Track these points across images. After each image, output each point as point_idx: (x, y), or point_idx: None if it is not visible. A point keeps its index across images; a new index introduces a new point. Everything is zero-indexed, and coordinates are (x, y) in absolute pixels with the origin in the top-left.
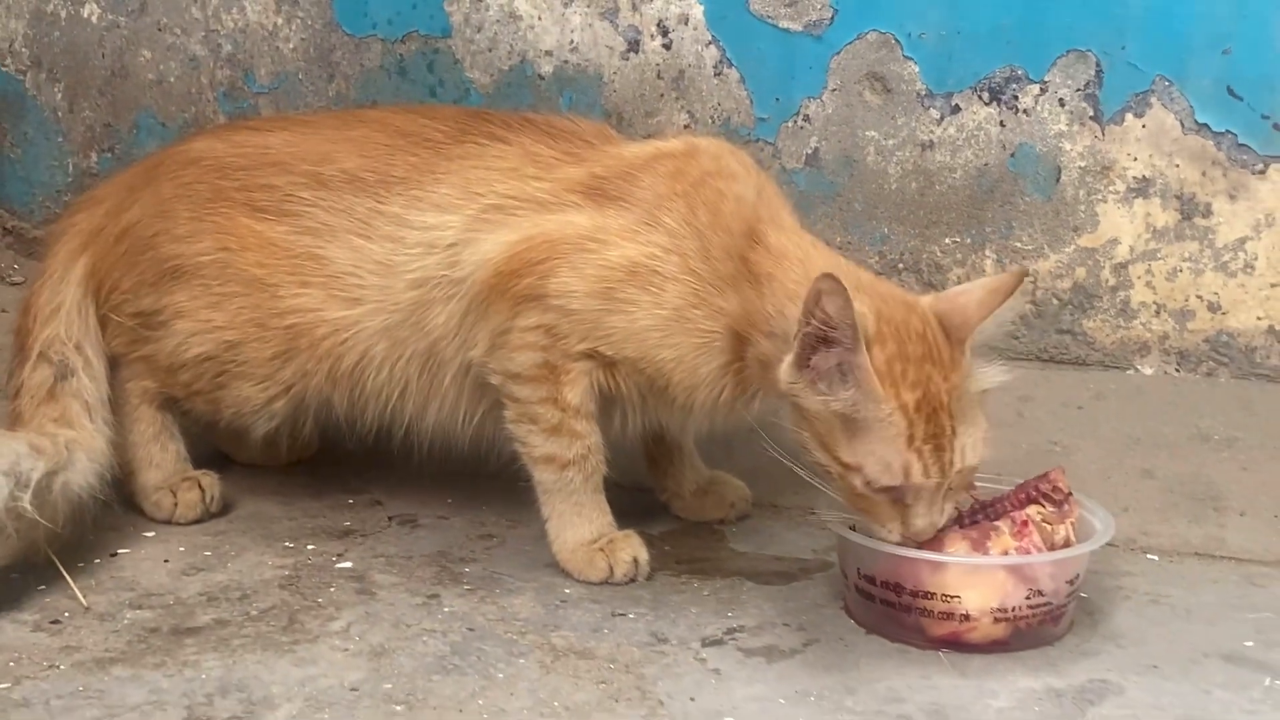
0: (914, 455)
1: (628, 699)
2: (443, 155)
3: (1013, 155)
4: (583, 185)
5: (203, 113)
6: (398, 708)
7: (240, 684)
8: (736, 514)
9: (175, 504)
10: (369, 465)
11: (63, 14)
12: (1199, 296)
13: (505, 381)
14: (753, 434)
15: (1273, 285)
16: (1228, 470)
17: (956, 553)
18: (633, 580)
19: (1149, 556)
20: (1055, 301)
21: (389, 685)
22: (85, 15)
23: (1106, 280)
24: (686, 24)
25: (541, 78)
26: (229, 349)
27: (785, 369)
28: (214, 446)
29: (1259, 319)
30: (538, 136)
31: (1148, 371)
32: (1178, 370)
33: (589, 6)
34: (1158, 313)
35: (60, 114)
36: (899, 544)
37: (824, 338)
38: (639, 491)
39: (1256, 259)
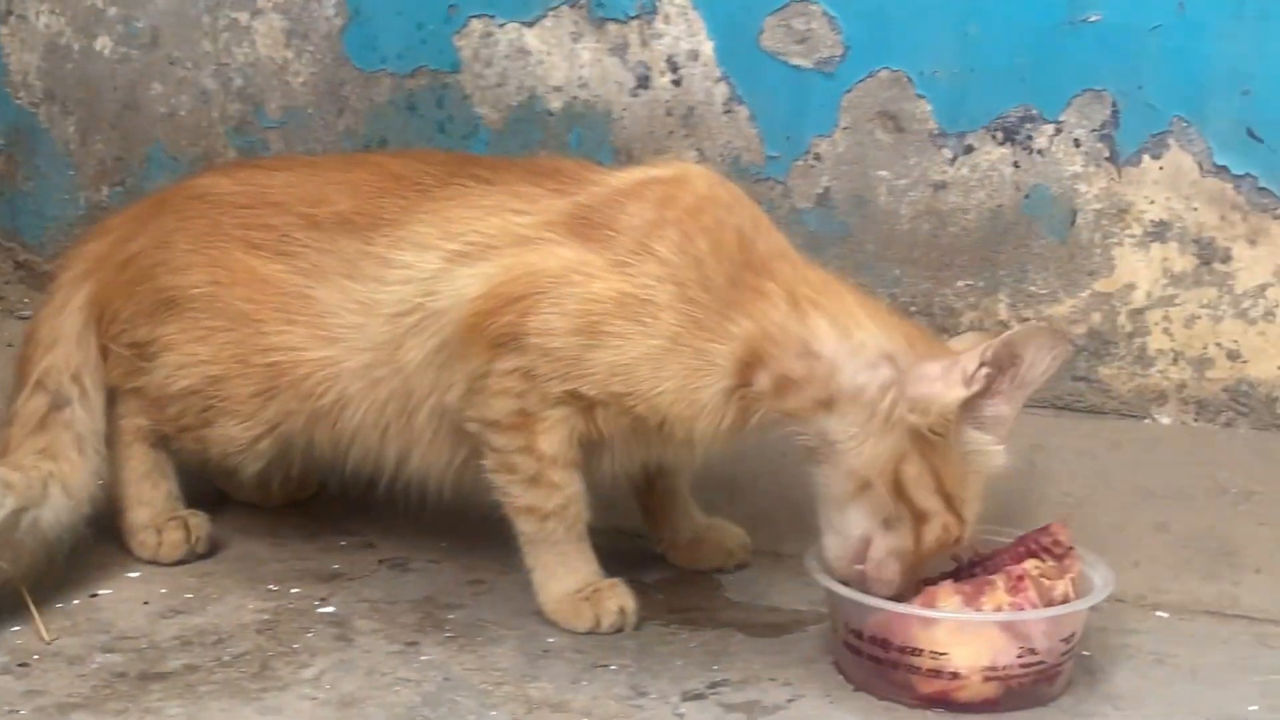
0: None
1: None
2: (429, 197)
3: (1027, 197)
4: (567, 217)
5: (213, 146)
6: None
7: None
8: (735, 562)
9: (160, 543)
10: (366, 508)
11: (75, 47)
12: (1218, 344)
13: (483, 430)
14: (756, 478)
15: None
16: (1245, 525)
17: (948, 607)
18: (620, 630)
19: (1158, 614)
20: (1070, 347)
21: None
22: (98, 49)
23: (1123, 326)
24: (696, 60)
25: (550, 114)
26: (212, 383)
27: (950, 401)
28: (214, 484)
29: None
30: (523, 176)
31: (1165, 421)
32: (1196, 420)
33: (598, 42)
34: (1175, 360)
35: (72, 147)
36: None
37: (1019, 383)
38: (638, 537)
39: (1278, 306)
